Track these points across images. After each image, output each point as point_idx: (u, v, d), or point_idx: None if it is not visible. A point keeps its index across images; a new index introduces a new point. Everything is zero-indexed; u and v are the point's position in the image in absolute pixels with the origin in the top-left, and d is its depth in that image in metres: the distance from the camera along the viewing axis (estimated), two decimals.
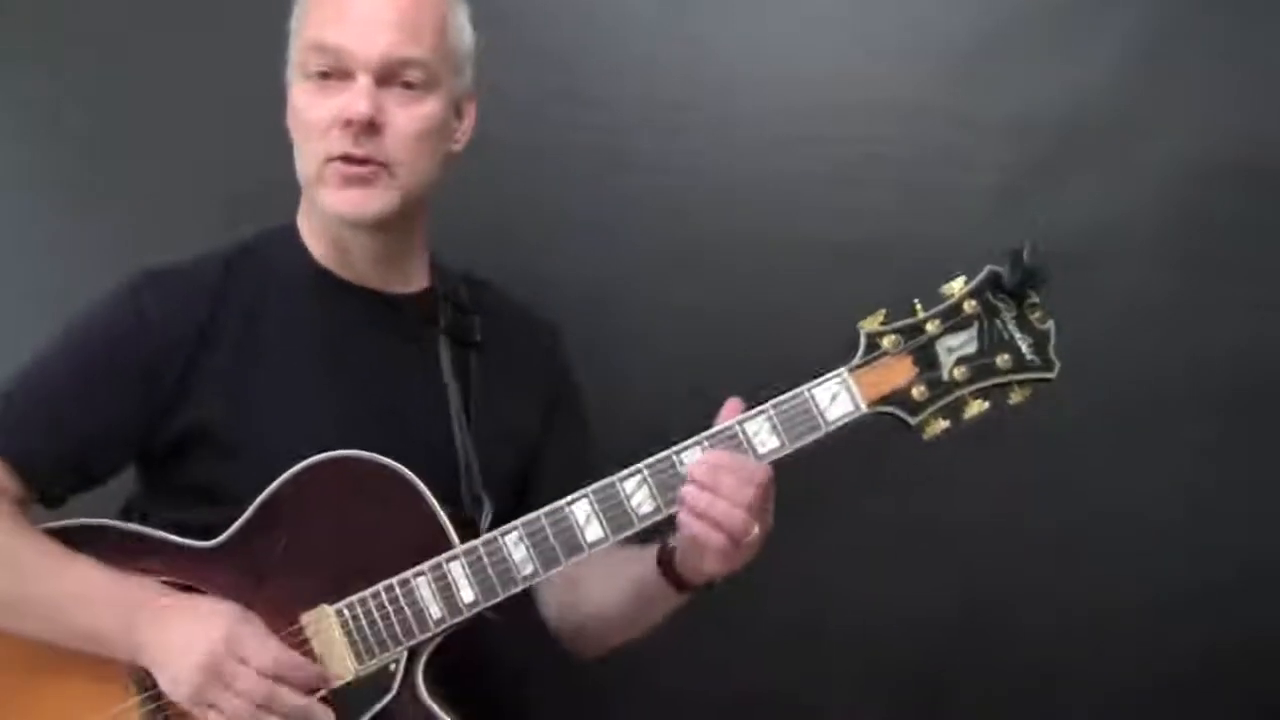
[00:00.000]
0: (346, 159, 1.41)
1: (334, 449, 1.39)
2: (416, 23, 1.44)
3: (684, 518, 1.29)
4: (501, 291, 1.66)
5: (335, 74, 1.42)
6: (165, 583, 1.37)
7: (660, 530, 1.37)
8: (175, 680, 1.29)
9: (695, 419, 1.82)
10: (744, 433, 1.34)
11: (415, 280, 1.55)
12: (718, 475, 1.28)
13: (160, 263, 1.48)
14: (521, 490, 1.56)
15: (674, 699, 1.89)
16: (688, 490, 1.29)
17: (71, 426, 1.41)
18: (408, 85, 1.44)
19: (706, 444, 1.34)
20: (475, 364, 1.55)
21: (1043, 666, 1.91)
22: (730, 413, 1.34)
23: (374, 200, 1.44)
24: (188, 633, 1.30)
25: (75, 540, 1.39)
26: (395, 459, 1.38)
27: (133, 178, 1.94)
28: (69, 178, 1.96)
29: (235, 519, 1.40)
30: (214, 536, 1.40)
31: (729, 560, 1.31)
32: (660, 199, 1.90)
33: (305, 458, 1.39)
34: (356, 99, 1.40)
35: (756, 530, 1.29)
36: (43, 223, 1.96)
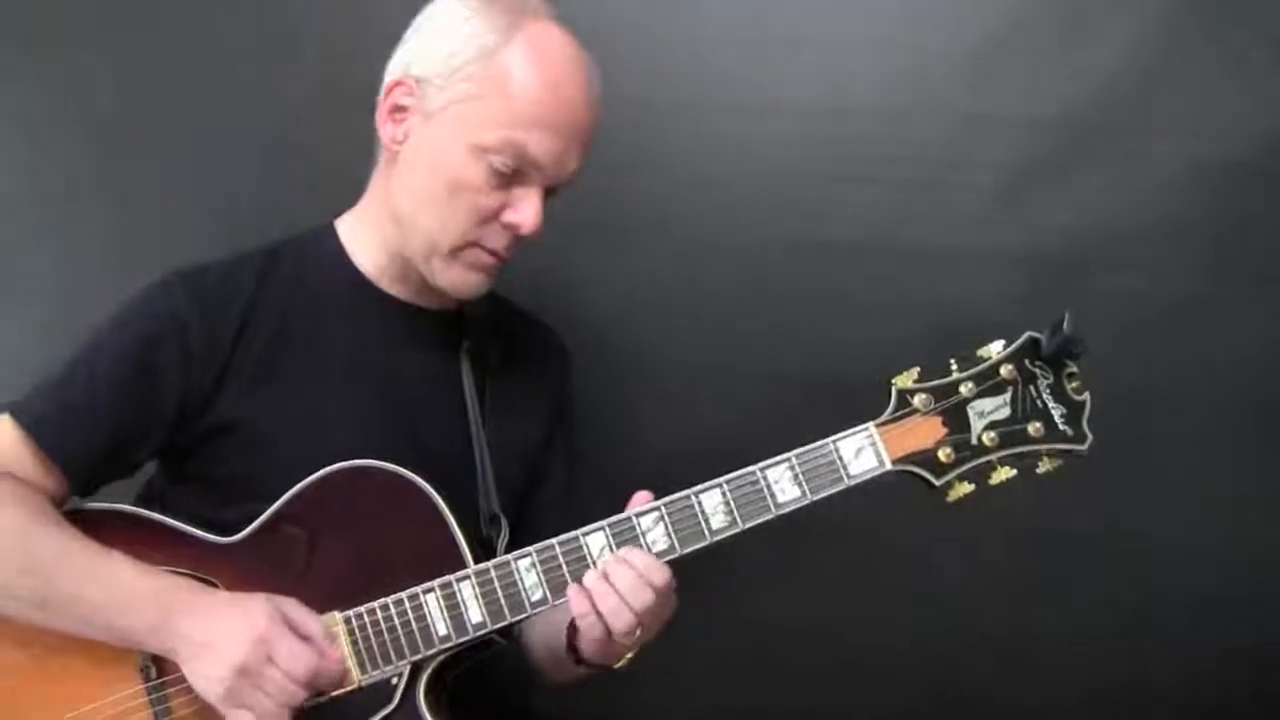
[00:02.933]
0: (492, 254, 1.44)
1: (358, 457, 1.40)
2: (592, 138, 1.45)
3: (574, 600, 1.31)
4: (522, 310, 1.67)
5: (514, 175, 1.41)
6: (178, 573, 1.38)
7: None
8: (207, 679, 1.30)
9: (691, 422, 1.87)
10: (765, 480, 1.33)
11: (449, 300, 1.55)
12: (619, 570, 1.31)
13: (197, 262, 1.49)
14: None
15: None
16: (588, 577, 1.31)
17: (111, 423, 1.42)
18: (552, 193, 1.45)
19: (725, 487, 1.34)
20: (493, 383, 1.56)
21: (1049, 669, 1.91)
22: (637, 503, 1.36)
23: (489, 284, 1.48)
24: (223, 633, 1.30)
25: (95, 524, 1.40)
26: (417, 472, 1.39)
27: (133, 180, 1.95)
28: (69, 181, 1.96)
29: (253, 515, 1.41)
30: (229, 530, 1.42)
31: (603, 649, 1.35)
32: (660, 198, 1.90)
33: (329, 462, 1.40)
34: (531, 212, 1.41)
35: (639, 633, 1.31)
36: (43, 225, 1.97)
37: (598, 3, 1.81)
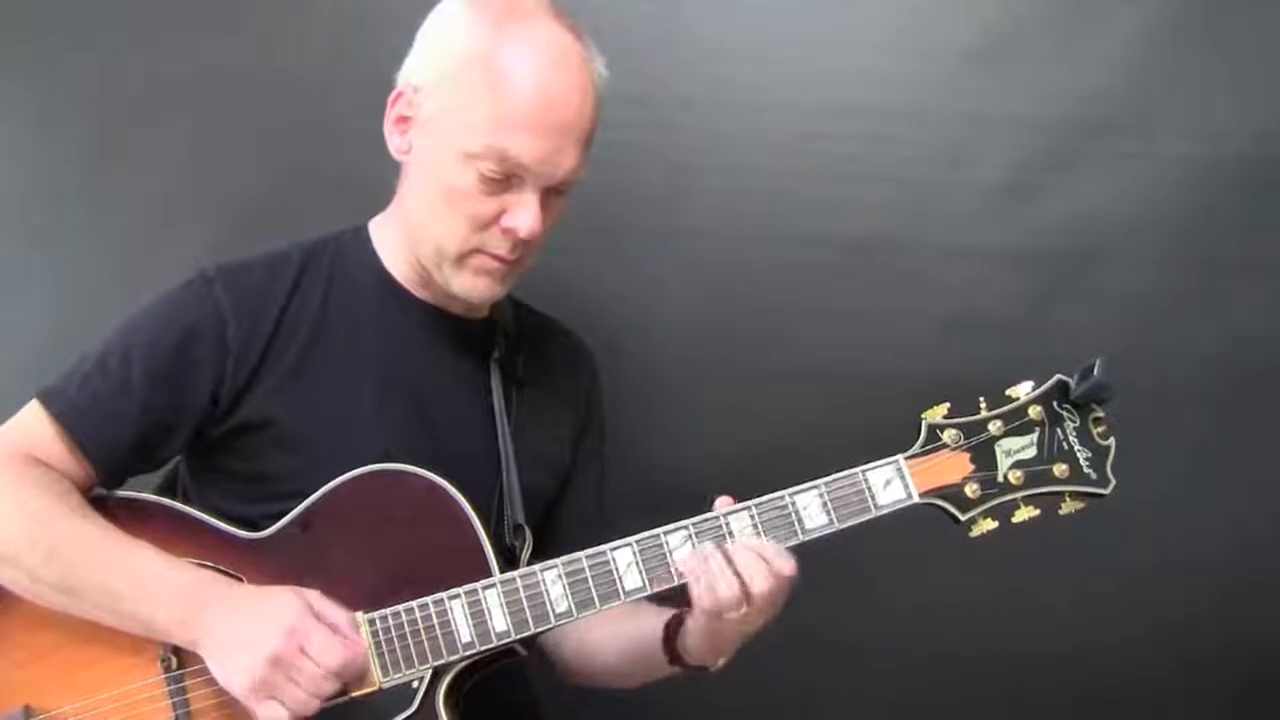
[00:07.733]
0: (497, 259, 1.43)
1: (387, 459, 1.41)
2: (591, 134, 1.43)
3: (685, 561, 1.32)
4: (547, 318, 1.68)
5: (506, 179, 1.40)
6: (204, 566, 1.38)
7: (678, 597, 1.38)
8: (237, 670, 1.30)
9: (689, 424, 1.90)
10: (794, 506, 1.35)
11: (479, 308, 1.56)
12: (738, 551, 1.31)
13: (235, 257, 1.50)
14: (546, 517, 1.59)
15: None
16: (703, 544, 1.32)
17: (143, 416, 1.42)
18: (559, 193, 1.44)
19: (755, 510, 1.35)
20: (521, 392, 1.57)
21: (1038, 661, 1.92)
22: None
23: (501, 288, 1.48)
24: (253, 625, 1.31)
25: (122, 513, 1.41)
26: (445, 478, 1.40)
27: (135, 181, 1.96)
28: (70, 181, 1.97)
29: (279, 513, 1.42)
30: (253, 526, 1.43)
31: (709, 639, 1.35)
32: (662, 196, 1.92)
33: (358, 463, 1.41)
34: (528, 216, 1.40)
35: (745, 609, 1.30)
36: (44, 226, 1.98)
37: (602, 4, 1.83)
